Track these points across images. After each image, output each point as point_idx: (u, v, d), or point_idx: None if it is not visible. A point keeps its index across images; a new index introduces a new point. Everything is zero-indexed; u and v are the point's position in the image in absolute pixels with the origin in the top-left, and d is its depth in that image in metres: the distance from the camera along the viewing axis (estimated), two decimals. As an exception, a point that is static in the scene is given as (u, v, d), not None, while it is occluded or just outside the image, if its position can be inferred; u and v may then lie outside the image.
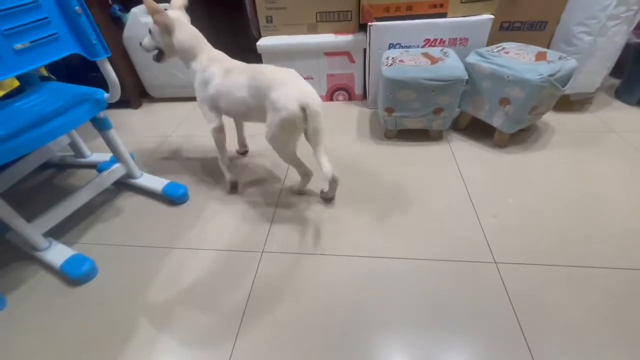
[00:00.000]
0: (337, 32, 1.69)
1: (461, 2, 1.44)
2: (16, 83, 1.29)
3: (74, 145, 1.49)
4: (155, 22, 1.09)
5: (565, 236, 1.03)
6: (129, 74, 1.97)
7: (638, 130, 1.46)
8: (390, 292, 0.93)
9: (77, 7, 0.83)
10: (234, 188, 1.32)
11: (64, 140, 1.44)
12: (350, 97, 1.87)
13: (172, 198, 1.28)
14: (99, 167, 1.45)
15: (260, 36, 1.79)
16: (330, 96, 1.87)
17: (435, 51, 1.43)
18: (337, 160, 1.41)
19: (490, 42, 1.49)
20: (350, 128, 1.64)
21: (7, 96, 1.29)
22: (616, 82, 1.75)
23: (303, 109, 0.95)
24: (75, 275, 1.01)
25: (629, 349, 0.77)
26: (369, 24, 1.53)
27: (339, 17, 1.66)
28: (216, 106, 1.14)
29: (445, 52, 1.41)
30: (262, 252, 1.08)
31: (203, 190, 1.34)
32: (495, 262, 0.97)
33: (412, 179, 1.30)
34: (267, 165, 1.45)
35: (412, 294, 0.92)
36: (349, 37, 1.66)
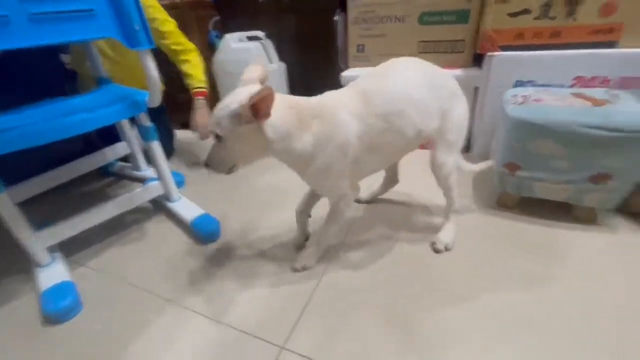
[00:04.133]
0: (443, 64, 1.35)
1: (647, 26, 0.98)
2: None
3: (132, 156, 1.41)
4: None
5: None
6: (214, 102, 1.94)
7: None
8: None
9: (123, -18, 0.68)
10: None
11: (121, 149, 1.37)
12: (448, 147, 1.45)
13: (200, 233, 1.03)
14: (145, 182, 1.31)
15: (347, 68, 1.57)
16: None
17: (595, 92, 0.96)
18: (421, 235, 0.99)
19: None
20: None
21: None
22: None
23: None
24: (51, 310, 0.78)
25: None
26: (489, 54, 1.16)
27: (447, 48, 1.33)
28: (359, 165, 0.76)
29: (613, 95, 0.93)
30: (282, 348, 0.69)
31: (238, 237, 1.05)
32: None
33: (545, 281, 0.79)
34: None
35: None
36: (457, 72, 1.30)
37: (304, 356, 0.67)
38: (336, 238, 0.97)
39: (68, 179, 1.25)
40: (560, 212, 0.98)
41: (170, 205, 1.15)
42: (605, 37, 1.01)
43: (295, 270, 0.87)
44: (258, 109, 0.62)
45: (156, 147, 1.05)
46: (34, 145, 0.75)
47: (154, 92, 0.84)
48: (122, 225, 1.15)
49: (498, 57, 1.15)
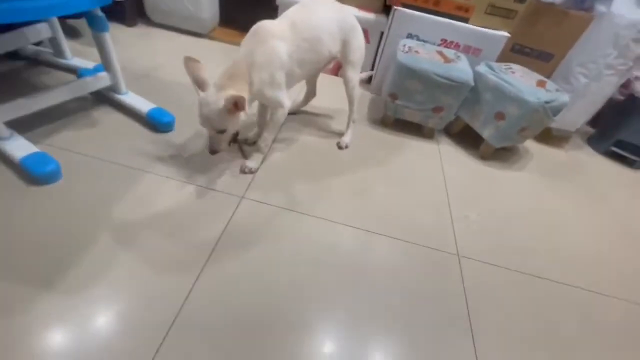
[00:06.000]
0: (360, 6, 1.67)
1: (485, 13, 1.48)
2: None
3: (54, 42, 1.35)
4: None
5: (522, 248, 1.13)
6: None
7: (601, 176, 1.61)
8: (355, 262, 0.96)
9: None
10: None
11: (44, 32, 1.30)
12: (355, 77, 1.86)
13: (157, 124, 1.22)
14: (79, 73, 1.33)
15: (281, -11, 1.71)
16: (336, 70, 1.85)
17: (449, 52, 1.46)
18: (330, 137, 1.42)
19: (499, 60, 1.56)
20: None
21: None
22: (589, 130, 1.91)
23: None
24: (37, 172, 0.94)
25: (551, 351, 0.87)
26: (395, 7, 1.53)
27: (366, -7, 1.63)
28: (290, 77, 1.04)
29: (458, 56, 1.45)
30: (242, 197, 1.06)
31: (190, 127, 1.28)
32: (458, 255, 1.04)
33: (398, 166, 1.34)
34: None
35: (376, 267, 0.97)
36: (371, 16, 1.64)
37: (257, 201, 1.06)
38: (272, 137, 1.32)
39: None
40: (415, 130, 1.54)
41: (120, 97, 1.25)
42: (462, 14, 1.49)
43: (243, 171, 1.14)
44: (237, 106, 0.89)
45: (108, 38, 1.12)
46: (12, 22, 0.80)
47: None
48: (68, 111, 1.22)
49: (400, 12, 1.53)
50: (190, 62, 0.92)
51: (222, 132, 0.96)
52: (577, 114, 1.59)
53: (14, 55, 1.39)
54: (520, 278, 1.03)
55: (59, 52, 1.38)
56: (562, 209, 1.35)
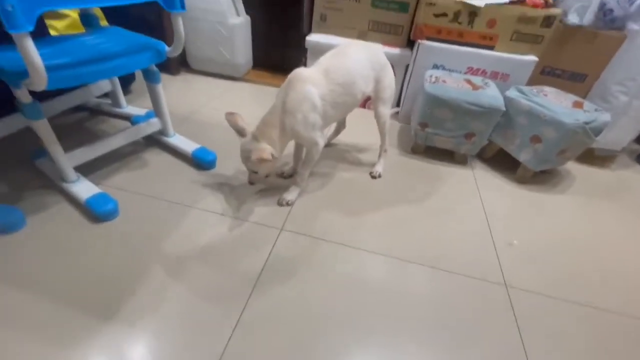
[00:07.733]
0: (385, 43, 1.75)
1: (510, 40, 1.51)
2: (81, 29, 1.33)
3: (113, 94, 1.53)
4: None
5: (574, 275, 1.06)
6: (175, 41, 2.02)
7: (655, 195, 1.50)
8: (397, 293, 0.95)
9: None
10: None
11: (105, 86, 1.48)
12: (383, 108, 1.91)
13: (201, 162, 1.31)
14: (133, 120, 1.48)
15: (310, 32, 1.85)
16: (363, 103, 1.91)
17: (476, 79, 1.48)
18: (363, 169, 1.45)
19: (530, 83, 1.55)
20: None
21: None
22: (638, 147, 1.80)
23: None
24: (99, 211, 1.03)
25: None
26: (419, 41, 1.59)
27: (390, 30, 1.72)
28: (325, 118, 1.10)
29: (486, 82, 1.46)
30: (281, 229, 1.10)
31: (230, 163, 1.36)
32: (506, 285, 0.99)
33: (433, 194, 1.33)
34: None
35: (419, 298, 0.94)
36: (396, 50, 1.72)
37: (296, 232, 1.09)
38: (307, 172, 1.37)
39: (57, 112, 1.34)
40: (447, 156, 1.54)
41: (168, 139, 1.37)
42: (487, 42, 1.53)
43: (281, 204, 1.19)
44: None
45: (160, 88, 1.25)
46: (79, 84, 0.93)
47: (179, 45, 1.06)
48: (123, 154, 1.35)
49: (424, 45, 1.59)
50: (229, 116, 1.08)
51: (256, 172, 1.09)
52: (621, 133, 1.52)
53: (78, 107, 1.58)
54: (577, 309, 0.95)
55: (116, 103, 1.55)
56: (613, 232, 1.26)
